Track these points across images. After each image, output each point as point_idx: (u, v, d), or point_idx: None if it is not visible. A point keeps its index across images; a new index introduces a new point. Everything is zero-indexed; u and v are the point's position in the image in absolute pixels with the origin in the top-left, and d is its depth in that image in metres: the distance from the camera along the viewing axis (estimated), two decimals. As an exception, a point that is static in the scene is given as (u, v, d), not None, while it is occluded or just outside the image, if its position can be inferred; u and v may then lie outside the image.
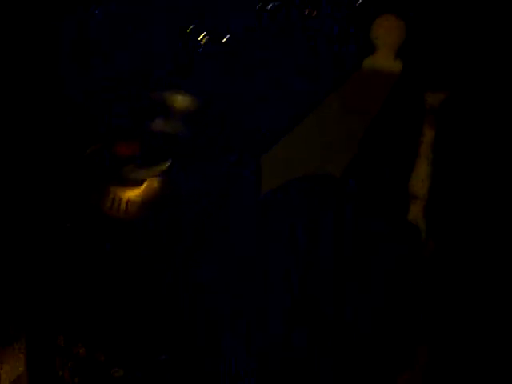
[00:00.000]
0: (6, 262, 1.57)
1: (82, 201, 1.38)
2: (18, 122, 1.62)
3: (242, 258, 1.44)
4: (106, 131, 1.45)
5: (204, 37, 1.67)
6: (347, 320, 1.50)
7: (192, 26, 1.67)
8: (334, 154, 2.07)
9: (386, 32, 3.31)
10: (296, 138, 2.05)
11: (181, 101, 1.54)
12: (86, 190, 1.38)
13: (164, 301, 1.37)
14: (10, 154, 1.61)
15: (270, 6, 1.75)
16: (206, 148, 1.43)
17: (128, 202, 1.35)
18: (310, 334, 1.47)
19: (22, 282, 1.51)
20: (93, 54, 1.63)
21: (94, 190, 1.37)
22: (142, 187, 1.36)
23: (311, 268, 1.54)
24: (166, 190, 1.36)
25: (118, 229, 1.36)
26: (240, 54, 1.64)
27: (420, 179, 2.00)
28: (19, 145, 1.61)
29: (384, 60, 3.37)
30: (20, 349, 1.58)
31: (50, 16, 1.63)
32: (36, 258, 1.45)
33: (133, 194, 1.35)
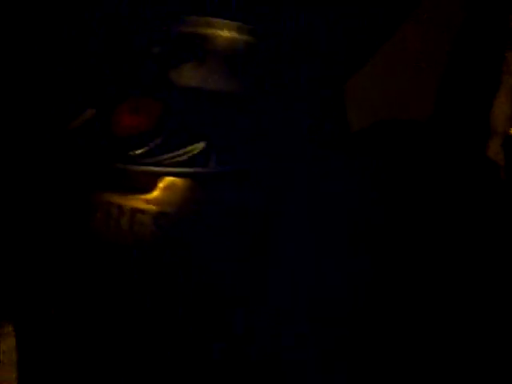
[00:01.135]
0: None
1: (58, 212, 0.81)
2: None
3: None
4: (99, 91, 0.83)
5: None
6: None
7: None
8: (418, 83, 1.59)
9: None
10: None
11: (227, 32, 0.91)
12: (64, 194, 0.81)
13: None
14: None
15: None
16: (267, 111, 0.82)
17: (135, 214, 0.78)
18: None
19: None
20: None
21: (77, 195, 0.79)
22: (159, 190, 0.78)
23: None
24: (199, 195, 0.78)
25: (118, 259, 0.79)
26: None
27: (501, 113, 1.68)
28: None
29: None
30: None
31: None
32: None
33: (142, 202, 0.78)
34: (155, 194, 0.76)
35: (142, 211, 0.77)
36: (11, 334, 1.01)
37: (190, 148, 0.78)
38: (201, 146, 0.78)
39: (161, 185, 0.76)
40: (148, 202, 0.76)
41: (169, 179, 0.76)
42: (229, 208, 0.77)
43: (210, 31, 0.89)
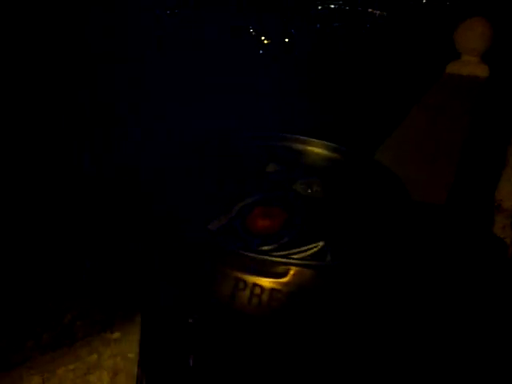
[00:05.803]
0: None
1: (205, 291, 1.07)
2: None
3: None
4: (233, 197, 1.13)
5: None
6: None
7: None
8: (434, 171, 1.93)
9: (472, 36, 3.15)
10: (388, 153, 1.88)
11: (324, 151, 1.23)
12: (210, 278, 1.07)
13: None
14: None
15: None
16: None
17: (273, 293, 1.05)
18: None
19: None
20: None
21: (221, 278, 1.06)
22: (289, 276, 1.06)
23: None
24: (319, 281, 1.06)
25: (258, 330, 1.05)
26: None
27: (507, 189, 1.90)
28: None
29: (469, 65, 3.21)
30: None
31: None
32: None
33: (278, 284, 1.05)
34: (287, 278, 1.04)
35: (278, 291, 1.04)
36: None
37: (311, 246, 1.07)
38: (320, 244, 1.07)
39: (291, 272, 1.04)
40: (282, 284, 1.03)
41: (296, 268, 1.04)
42: (340, 294, 1.05)
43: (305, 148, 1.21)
